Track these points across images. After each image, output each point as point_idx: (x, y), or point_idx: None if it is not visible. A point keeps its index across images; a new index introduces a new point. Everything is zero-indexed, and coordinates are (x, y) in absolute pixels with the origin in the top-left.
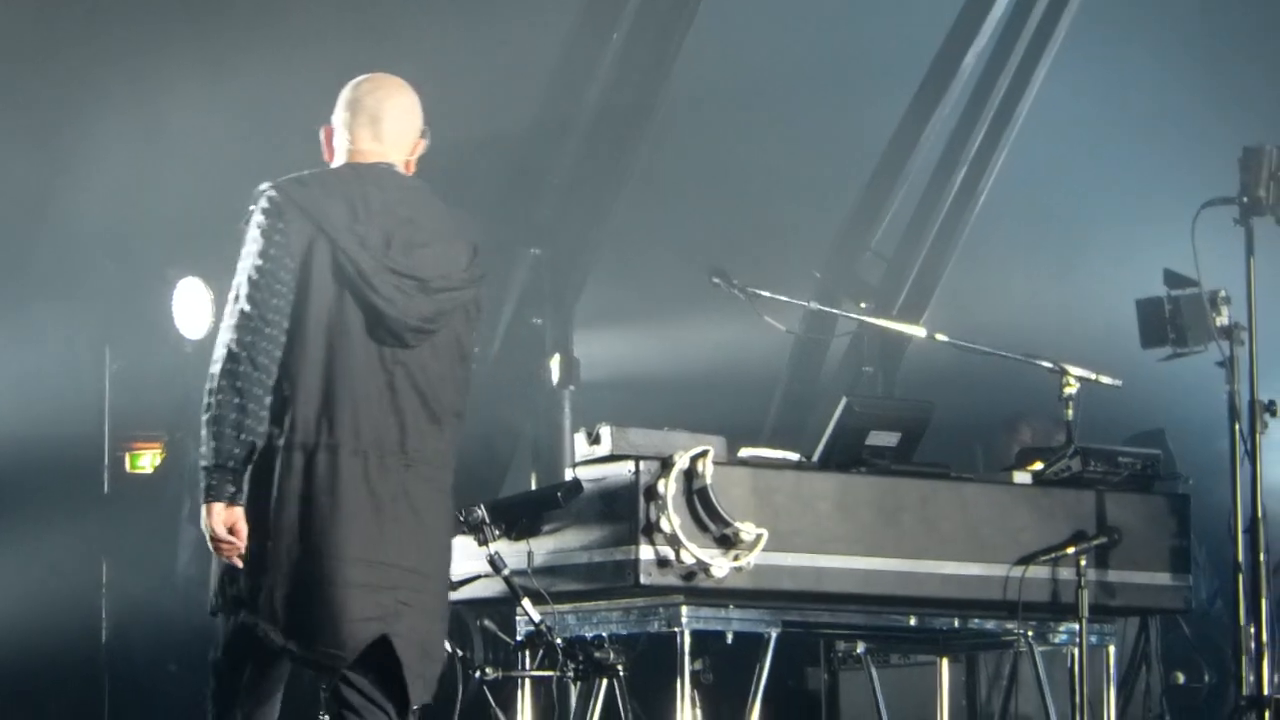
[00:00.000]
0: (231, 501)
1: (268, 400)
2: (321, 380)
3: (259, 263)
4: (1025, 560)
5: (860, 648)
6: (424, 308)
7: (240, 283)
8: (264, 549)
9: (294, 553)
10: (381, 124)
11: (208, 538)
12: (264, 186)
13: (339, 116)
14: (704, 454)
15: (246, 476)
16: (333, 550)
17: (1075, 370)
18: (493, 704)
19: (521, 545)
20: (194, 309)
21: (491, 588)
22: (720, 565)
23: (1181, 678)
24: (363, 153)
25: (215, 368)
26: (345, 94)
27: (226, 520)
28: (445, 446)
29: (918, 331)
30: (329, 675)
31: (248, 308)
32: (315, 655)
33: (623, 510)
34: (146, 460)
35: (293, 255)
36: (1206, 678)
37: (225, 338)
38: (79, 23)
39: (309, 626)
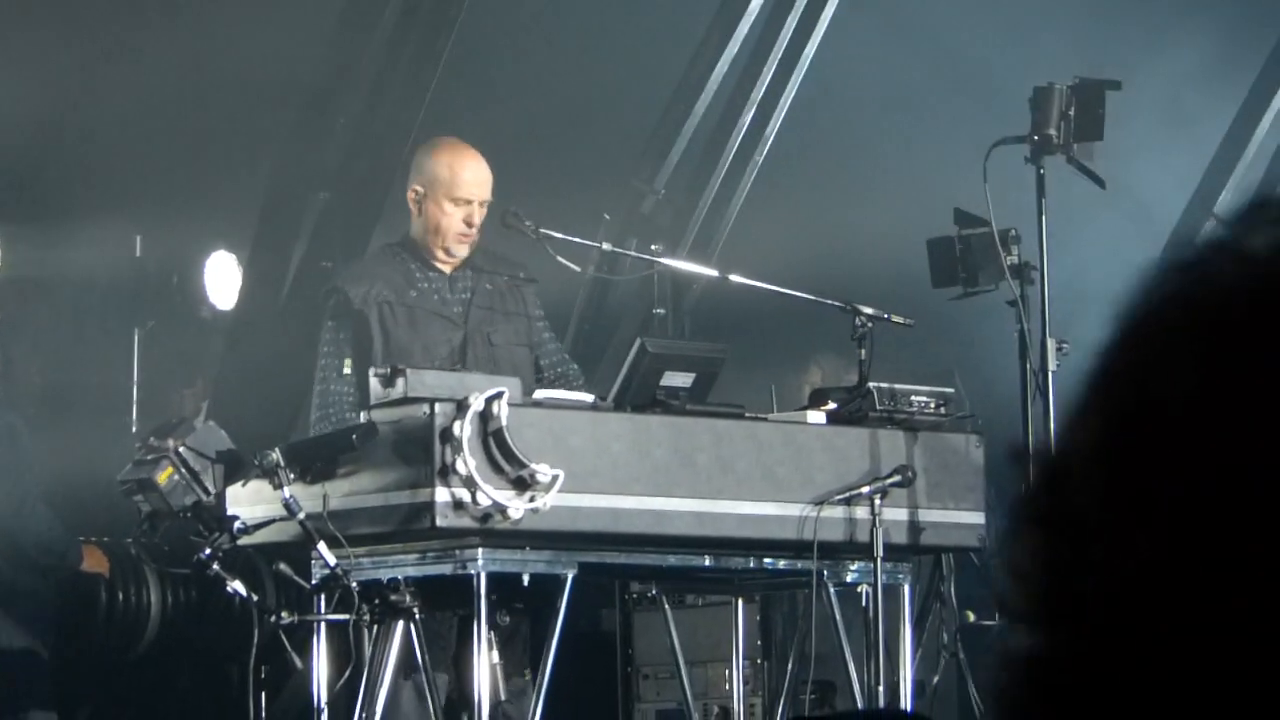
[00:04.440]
0: None
1: None
2: None
3: None
4: (820, 500)
5: (655, 588)
6: None
7: None
8: None
9: None
10: None
11: None
12: None
13: None
14: (499, 396)
15: None
16: None
17: (866, 309)
18: (288, 648)
19: (316, 489)
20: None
21: (286, 531)
22: (516, 507)
23: (972, 615)
24: None
25: None
26: None
27: None
28: None
29: (710, 272)
30: None
31: None
32: None
33: (418, 453)
34: None
35: None
36: (997, 615)
37: None
38: None
39: None
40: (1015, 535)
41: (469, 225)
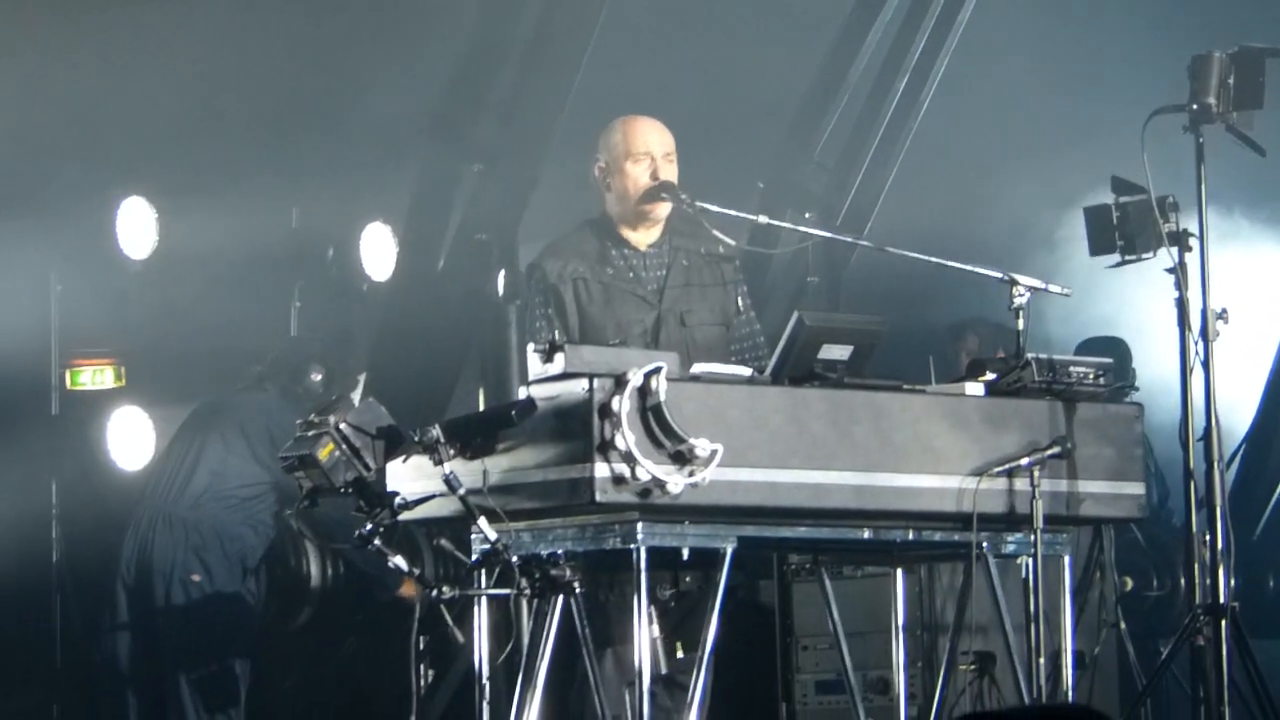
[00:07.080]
0: None
1: None
2: None
3: None
4: (979, 472)
5: (813, 560)
6: None
7: None
8: None
9: None
10: None
11: None
12: None
13: None
14: (657, 371)
15: None
16: None
17: (1024, 279)
18: (449, 622)
19: (476, 464)
20: (139, 229)
21: (447, 507)
22: (675, 481)
23: (1130, 584)
24: None
25: None
26: None
27: None
28: None
29: (867, 243)
30: None
31: None
32: None
33: (577, 428)
34: (86, 377)
35: None
36: (1156, 584)
37: None
38: None
39: None
40: None
41: (655, 180)
